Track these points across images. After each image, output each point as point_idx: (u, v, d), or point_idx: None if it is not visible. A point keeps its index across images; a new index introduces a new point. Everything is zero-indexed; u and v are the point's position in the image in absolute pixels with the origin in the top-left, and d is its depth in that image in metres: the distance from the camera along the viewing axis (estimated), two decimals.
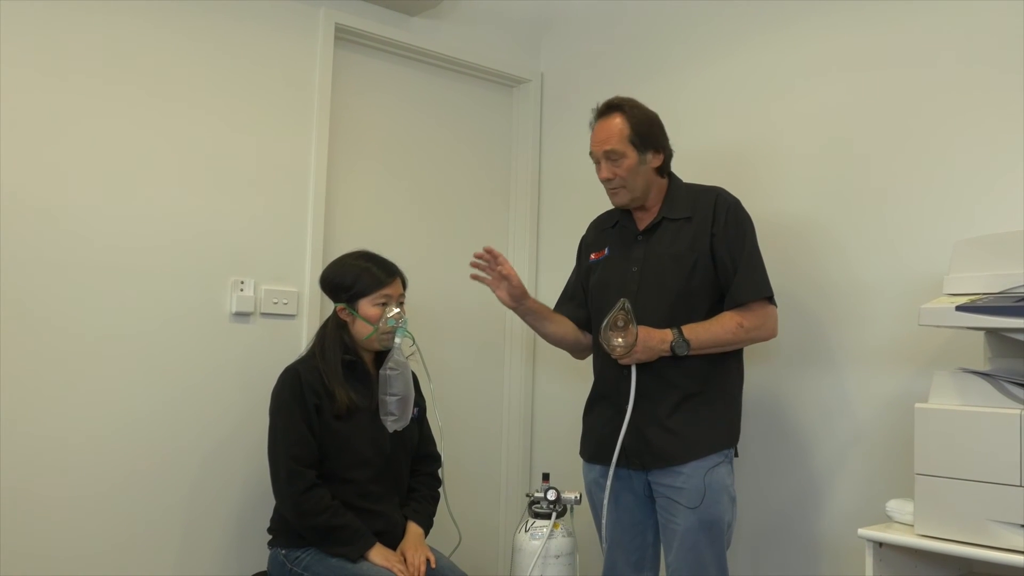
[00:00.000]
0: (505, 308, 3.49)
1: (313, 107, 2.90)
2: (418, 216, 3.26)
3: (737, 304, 2.24)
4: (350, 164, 3.06)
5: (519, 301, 2.45)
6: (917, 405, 1.90)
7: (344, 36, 3.02)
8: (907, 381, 2.35)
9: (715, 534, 2.21)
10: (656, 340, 2.19)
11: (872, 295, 2.45)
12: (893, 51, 2.47)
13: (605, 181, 2.34)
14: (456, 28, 3.32)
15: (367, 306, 2.43)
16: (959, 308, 1.83)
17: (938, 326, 1.92)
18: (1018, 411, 1.74)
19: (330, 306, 2.52)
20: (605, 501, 2.30)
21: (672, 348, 2.19)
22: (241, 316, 2.73)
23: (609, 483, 2.28)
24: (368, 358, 2.50)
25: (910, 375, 2.35)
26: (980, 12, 2.30)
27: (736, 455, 2.34)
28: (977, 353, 2.04)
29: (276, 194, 2.82)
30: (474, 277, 2.45)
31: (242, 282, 2.72)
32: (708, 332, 2.22)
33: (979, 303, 1.82)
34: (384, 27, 3.10)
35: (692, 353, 2.20)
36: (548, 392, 3.45)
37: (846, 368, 2.49)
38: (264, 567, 2.47)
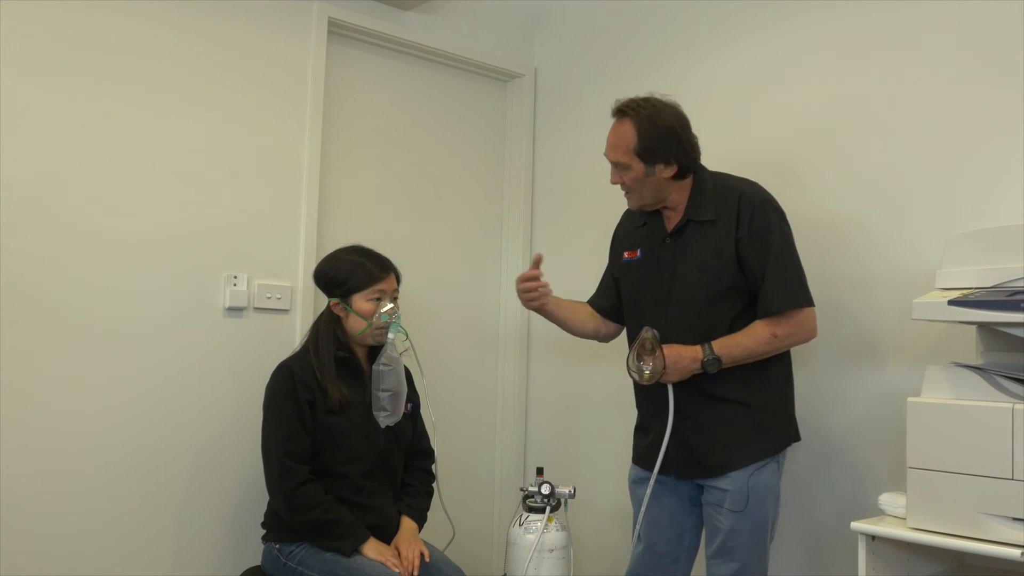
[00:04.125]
0: (499, 302, 3.51)
1: (307, 102, 2.90)
2: (412, 211, 3.25)
3: (769, 313, 2.13)
4: (344, 159, 3.06)
5: (539, 309, 2.44)
6: (910, 399, 1.90)
7: (337, 31, 3.02)
8: (899, 375, 2.36)
9: (759, 536, 2.15)
10: (687, 360, 2.12)
11: (865, 289, 2.46)
12: (889, 45, 2.47)
13: (616, 184, 2.26)
14: (450, 22, 3.31)
15: (361, 301, 2.43)
16: (952, 302, 1.83)
17: (931, 320, 1.93)
18: (1010, 405, 1.75)
19: (324, 301, 2.52)
20: (645, 501, 2.26)
21: (703, 366, 2.11)
22: (234, 311, 2.72)
23: (647, 496, 2.25)
24: (361, 353, 2.50)
25: (902, 369, 2.36)
26: (978, 7, 2.30)
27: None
28: (970, 347, 2.05)
29: (270, 189, 2.81)
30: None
31: (235, 277, 2.72)
32: (740, 347, 2.12)
33: (972, 297, 1.82)
34: (377, 21, 3.09)
35: (725, 367, 2.12)
36: (542, 386, 3.45)
37: (839, 362, 2.49)
38: (258, 562, 2.47)
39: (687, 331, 2.17)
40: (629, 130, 2.17)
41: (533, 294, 2.40)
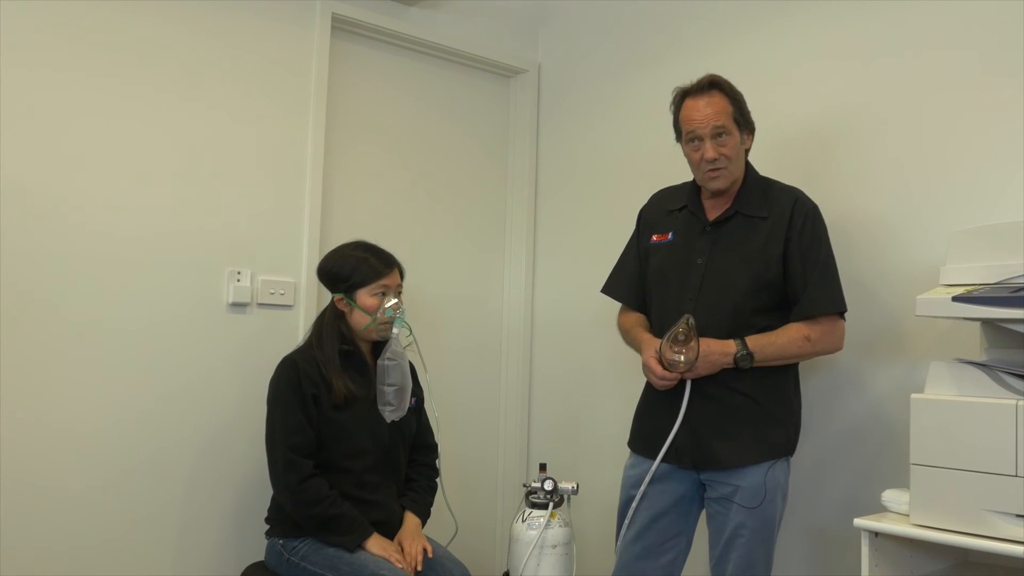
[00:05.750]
0: (503, 297, 3.51)
1: (310, 97, 2.90)
2: (415, 206, 3.25)
3: (807, 317, 2.15)
4: (347, 154, 3.06)
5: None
6: (913, 396, 1.90)
7: (341, 26, 3.01)
8: (903, 371, 2.36)
9: (767, 533, 2.14)
10: (718, 353, 2.10)
11: (869, 285, 2.45)
12: (891, 41, 2.47)
13: (709, 162, 2.17)
14: (453, 18, 3.31)
15: (365, 296, 2.43)
16: (956, 299, 1.83)
17: (935, 316, 1.93)
18: (1014, 401, 1.74)
19: (327, 296, 2.52)
20: (642, 488, 2.24)
21: (736, 361, 2.10)
22: (238, 307, 2.72)
23: (644, 486, 2.23)
24: (365, 348, 2.51)
25: (906, 365, 2.35)
26: (985, 6, 2.29)
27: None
28: (974, 343, 2.04)
29: (273, 185, 2.81)
30: None
31: (239, 273, 2.72)
32: (773, 345, 2.13)
33: (976, 294, 1.82)
34: (381, 17, 3.09)
35: (755, 365, 2.12)
36: (545, 382, 3.46)
37: (842, 358, 2.49)
38: (262, 557, 2.47)
39: (716, 320, 2.16)
40: (722, 99, 2.19)
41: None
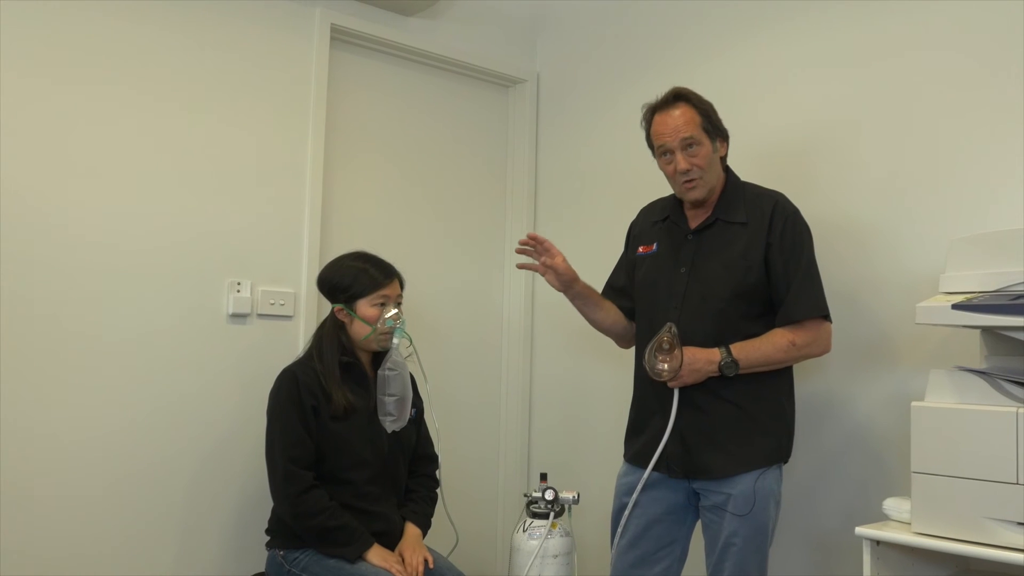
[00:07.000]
0: (502, 308, 3.51)
1: (309, 108, 2.90)
2: (415, 217, 3.26)
3: (790, 321, 2.15)
4: (346, 165, 3.06)
5: (568, 286, 2.35)
6: (914, 404, 1.90)
7: (340, 36, 3.02)
8: (903, 379, 2.36)
9: (760, 540, 2.14)
10: (703, 361, 2.11)
11: (868, 293, 2.46)
12: (891, 47, 2.48)
13: (682, 174, 2.19)
14: (452, 28, 3.32)
15: (365, 307, 2.43)
16: (955, 306, 1.83)
17: (934, 324, 1.93)
18: (1014, 409, 1.74)
19: (327, 307, 2.52)
20: (634, 497, 2.25)
21: (720, 369, 2.10)
22: (238, 317, 2.72)
23: (635, 496, 2.23)
24: (365, 359, 2.51)
25: (906, 373, 2.35)
26: (980, 9, 2.30)
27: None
28: (973, 351, 2.04)
29: (273, 195, 2.82)
30: (520, 266, 2.37)
31: (239, 283, 2.72)
32: (758, 352, 2.13)
33: (975, 301, 1.82)
34: (380, 27, 3.10)
35: (741, 372, 2.12)
36: (546, 391, 3.45)
37: (843, 366, 2.49)
38: (262, 568, 2.47)
39: (700, 327, 2.16)
40: (689, 110, 2.21)
41: (529, 252, 2.34)
